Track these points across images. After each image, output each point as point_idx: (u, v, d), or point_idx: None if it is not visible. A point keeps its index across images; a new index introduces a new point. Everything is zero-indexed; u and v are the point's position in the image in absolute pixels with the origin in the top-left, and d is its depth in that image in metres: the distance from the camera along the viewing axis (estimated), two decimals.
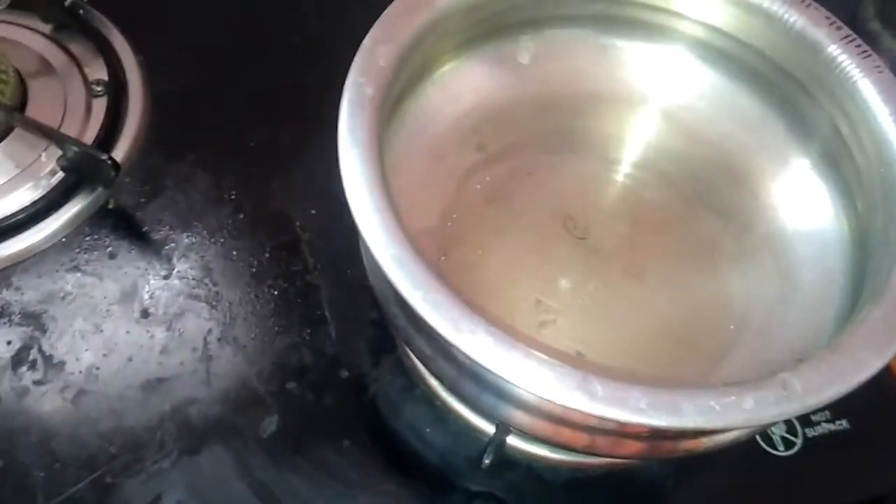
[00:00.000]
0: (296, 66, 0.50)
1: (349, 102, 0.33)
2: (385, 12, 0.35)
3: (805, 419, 0.41)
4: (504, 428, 0.36)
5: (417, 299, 0.28)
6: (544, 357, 0.27)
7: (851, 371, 0.28)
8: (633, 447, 0.32)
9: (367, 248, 0.29)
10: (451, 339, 0.27)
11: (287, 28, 0.52)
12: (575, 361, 0.29)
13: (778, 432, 0.41)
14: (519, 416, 0.31)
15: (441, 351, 0.31)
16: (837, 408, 0.41)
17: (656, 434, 0.31)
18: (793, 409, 0.27)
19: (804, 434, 0.41)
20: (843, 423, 0.41)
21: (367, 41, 0.34)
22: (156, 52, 0.50)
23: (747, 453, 0.40)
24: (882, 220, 0.34)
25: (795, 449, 0.40)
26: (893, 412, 0.42)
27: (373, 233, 0.30)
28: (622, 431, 0.30)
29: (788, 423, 0.41)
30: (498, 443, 0.36)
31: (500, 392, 0.30)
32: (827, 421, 0.41)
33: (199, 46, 0.51)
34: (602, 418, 0.27)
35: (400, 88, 0.37)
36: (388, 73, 0.34)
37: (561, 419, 0.30)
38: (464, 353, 0.27)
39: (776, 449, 0.40)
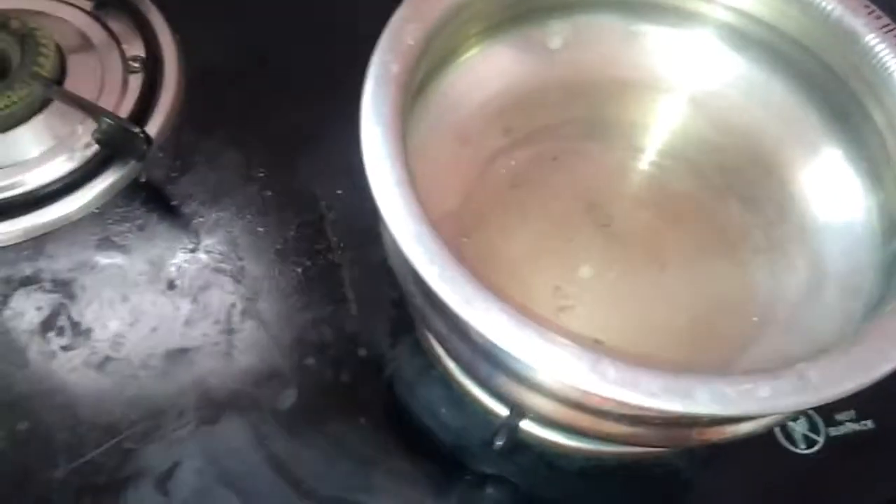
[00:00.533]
0: (328, 47, 0.50)
1: (374, 79, 0.33)
2: None
3: (829, 417, 0.40)
4: (518, 411, 0.35)
5: (433, 275, 0.28)
6: (557, 337, 0.27)
7: (873, 364, 0.27)
8: (646, 435, 0.31)
9: (385, 224, 0.30)
10: (463, 316, 0.28)
11: (319, 9, 0.52)
12: (589, 343, 0.29)
13: (800, 430, 0.40)
14: (531, 398, 0.31)
15: (455, 330, 0.32)
16: (863, 408, 0.40)
17: (670, 421, 0.30)
18: (809, 399, 0.27)
19: (827, 433, 0.40)
20: (868, 424, 0.40)
21: (394, 19, 0.34)
22: (192, 31, 0.50)
23: (767, 449, 0.39)
24: None
25: (817, 447, 0.40)
26: None
27: (391, 208, 0.30)
28: (636, 417, 0.30)
29: (811, 420, 0.40)
30: (511, 426, 0.36)
31: (512, 373, 0.30)
32: (851, 420, 0.40)
33: (234, 26, 0.51)
34: (613, 400, 0.26)
35: (426, 69, 0.37)
36: (415, 51, 0.34)
37: (573, 402, 0.30)
38: (476, 330, 0.27)
39: (797, 447, 0.40)
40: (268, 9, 0.52)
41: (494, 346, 0.27)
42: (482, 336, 0.27)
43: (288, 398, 0.39)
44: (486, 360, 0.31)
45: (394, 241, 0.29)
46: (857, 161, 0.38)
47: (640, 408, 0.26)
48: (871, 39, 0.35)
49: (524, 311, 0.28)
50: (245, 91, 0.49)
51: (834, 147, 0.39)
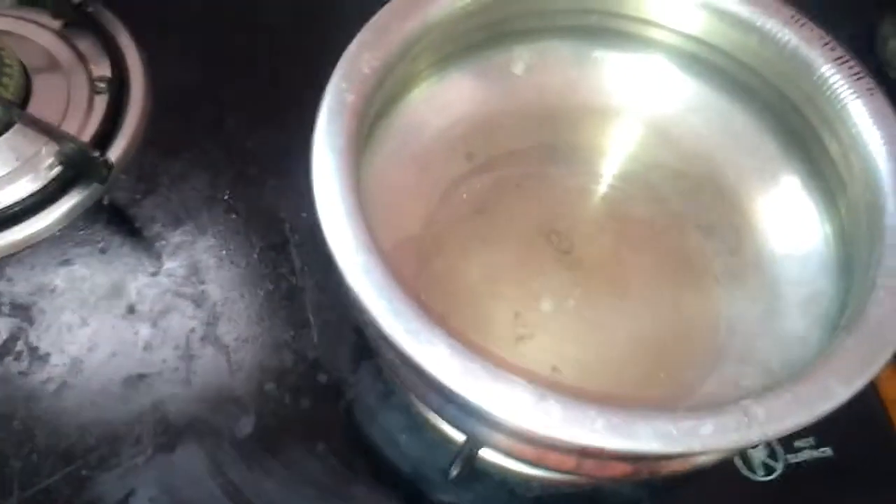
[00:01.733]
0: (296, 67, 0.50)
1: (328, 109, 0.33)
2: (373, 18, 0.35)
3: (787, 444, 0.40)
4: (474, 441, 0.35)
5: (380, 309, 0.28)
6: (504, 373, 0.27)
7: (817, 400, 0.27)
8: (598, 467, 0.31)
9: (332, 256, 0.30)
10: (408, 352, 0.27)
11: (288, 29, 0.52)
12: (535, 378, 0.29)
13: (759, 457, 0.40)
14: (482, 431, 0.31)
15: (405, 362, 0.31)
16: (822, 434, 0.40)
17: (619, 456, 0.30)
18: (753, 436, 0.27)
19: (786, 459, 0.40)
20: (827, 451, 0.40)
21: (352, 46, 0.34)
22: (160, 50, 0.50)
23: (726, 476, 0.39)
24: (865, 245, 0.33)
25: (776, 475, 0.40)
26: (879, 441, 0.41)
27: (339, 240, 0.30)
28: (583, 452, 0.30)
29: (770, 447, 0.40)
30: (468, 455, 0.36)
31: (461, 406, 0.30)
32: (810, 447, 0.40)
33: (202, 46, 0.51)
34: (556, 440, 0.26)
35: (386, 96, 0.37)
36: (373, 79, 0.34)
37: (522, 436, 0.30)
38: (420, 366, 0.27)
39: (756, 473, 0.40)
40: (237, 28, 0.52)
41: (437, 381, 0.27)
42: (425, 371, 0.27)
43: (246, 425, 0.39)
44: (437, 392, 0.31)
45: (341, 274, 0.29)
46: (814, 189, 0.38)
47: (583, 446, 0.26)
48: (826, 71, 0.36)
49: (472, 346, 0.28)
50: (212, 111, 0.49)
51: (792, 175, 0.39)
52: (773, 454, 0.40)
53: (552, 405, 0.27)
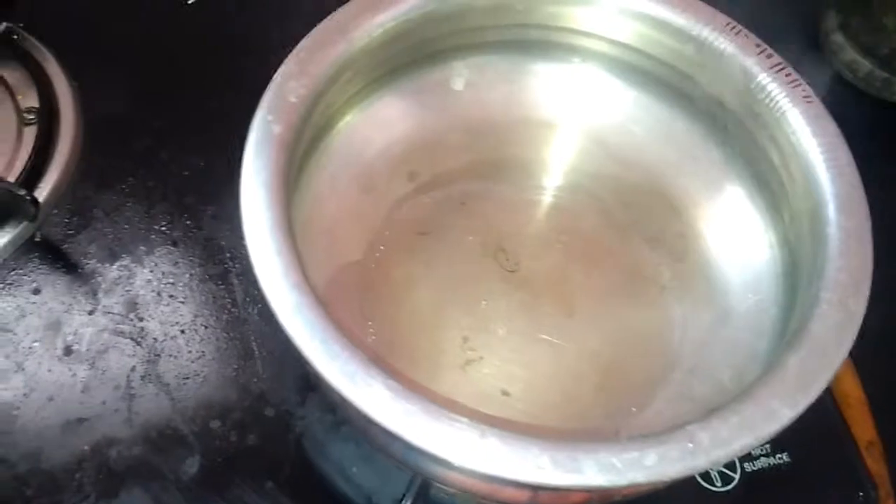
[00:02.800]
0: (232, 94, 0.48)
1: (255, 142, 0.32)
2: (298, 46, 0.34)
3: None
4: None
5: (314, 351, 0.27)
6: (443, 412, 0.27)
7: (761, 423, 0.27)
8: (549, 499, 0.31)
9: (265, 296, 0.29)
10: (345, 394, 0.27)
11: (222, 56, 0.51)
12: (479, 411, 0.28)
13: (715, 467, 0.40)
14: (427, 469, 0.30)
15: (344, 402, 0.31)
16: (778, 441, 0.40)
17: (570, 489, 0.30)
18: (698, 464, 0.26)
19: (742, 468, 0.40)
20: (784, 457, 0.40)
21: (277, 77, 0.33)
22: (91, 78, 0.48)
23: (684, 489, 0.39)
24: (808, 253, 0.33)
25: (733, 484, 0.39)
26: (835, 445, 0.41)
27: (270, 280, 0.29)
28: (535, 486, 0.29)
29: None
30: (420, 487, 0.35)
31: (406, 445, 0.29)
32: (766, 455, 0.40)
33: (135, 72, 0.50)
34: (499, 478, 0.26)
35: (320, 121, 0.36)
36: (300, 108, 0.33)
37: (467, 473, 0.29)
38: (358, 408, 0.26)
39: (713, 484, 0.39)
40: (169, 56, 0.51)
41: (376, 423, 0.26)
42: (364, 414, 0.26)
43: (192, 465, 0.38)
44: (381, 431, 0.30)
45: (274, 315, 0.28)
46: (757, 197, 0.38)
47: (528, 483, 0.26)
48: (763, 79, 0.35)
49: (411, 385, 0.27)
50: (146, 140, 0.47)
51: (735, 183, 0.39)
52: (730, 464, 0.40)
53: (494, 443, 0.26)
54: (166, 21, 0.53)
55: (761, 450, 0.40)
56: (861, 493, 0.40)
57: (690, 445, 0.26)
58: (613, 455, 0.26)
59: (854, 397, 0.45)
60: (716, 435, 0.27)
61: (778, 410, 0.27)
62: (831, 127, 0.34)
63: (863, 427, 0.44)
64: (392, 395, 0.27)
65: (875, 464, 0.42)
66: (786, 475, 0.40)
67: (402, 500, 0.35)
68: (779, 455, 0.40)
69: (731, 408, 0.27)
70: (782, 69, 0.35)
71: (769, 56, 0.36)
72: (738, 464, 0.40)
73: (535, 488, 0.30)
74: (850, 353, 0.44)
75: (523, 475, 0.26)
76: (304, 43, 0.34)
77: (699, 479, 0.39)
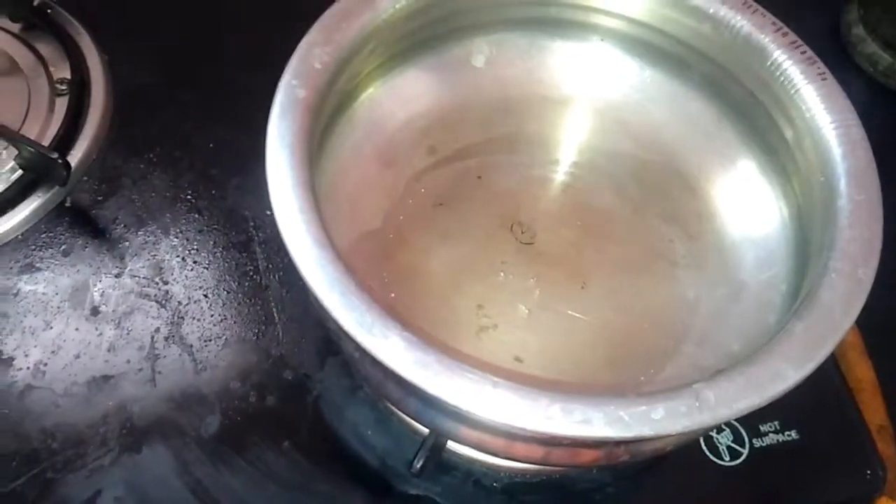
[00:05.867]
0: (257, 66, 0.49)
1: (280, 105, 0.33)
2: (324, 14, 0.35)
3: (753, 429, 0.41)
4: (436, 433, 0.35)
5: (333, 302, 0.28)
6: (456, 363, 0.27)
7: (768, 383, 0.28)
8: (561, 457, 0.31)
9: (288, 250, 0.30)
10: (362, 342, 0.28)
11: (249, 28, 0.52)
12: (489, 368, 0.29)
13: (725, 441, 0.40)
14: (439, 421, 0.31)
15: (364, 355, 0.31)
16: (787, 418, 0.41)
17: (577, 442, 0.30)
18: (704, 419, 0.27)
19: (751, 444, 0.40)
20: (792, 434, 0.41)
21: (303, 43, 0.34)
22: (120, 51, 0.50)
23: (692, 462, 0.40)
24: (819, 228, 0.33)
25: (741, 459, 0.40)
26: (844, 424, 0.42)
27: (294, 235, 0.30)
28: (547, 441, 0.30)
29: (735, 432, 0.41)
30: (433, 447, 0.36)
31: (418, 396, 0.30)
32: (775, 431, 0.41)
33: (163, 46, 0.51)
34: (508, 426, 0.27)
35: (343, 91, 0.37)
36: (325, 75, 0.34)
37: (480, 425, 0.30)
38: (374, 357, 0.27)
39: (721, 459, 0.40)
40: (198, 28, 0.52)
41: (392, 372, 0.27)
42: (380, 362, 0.27)
43: (212, 424, 0.39)
44: (394, 383, 0.31)
45: (296, 267, 0.29)
46: (770, 173, 0.39)
47: (535, 432, 0.26)
48: (779, 56, 0.36)
49: (426, 338, 0.28)
50: (173, 111, 0.49)
51: (749, 159, 0.39)
52: (738, 439, 0.40)
53: (505, 393, 0.27)
54: None
55: (770, 426, 0.41)
56: (869, 472, 0.41)
57: (697, 403, 0.27)
58: (621, 409, 0.26)
59: (867, 381, 0.45)
60: (722, 393, 0.27)
61: (784, 372, 0.28)
62: (845, 103, 0.34)
63: (875, 411, 0.44)
64: (407, 345, 0.27)
65: (886, 447, 0.43)
66: (794, 452, 0.41)
67: (413, 459, 0.36)
68: (788, 432, 0.41)
69: (738, 369, 0.28)
70: (798, 47, 0.36)
71: (785, 34, 0.36)
72: (746, 439, 0.40)
73: (547, 444, 0.31)
74: (865, 340, 0.45)
75: (533, 424, 0.26)
76: (330, 11, 0.35)
77: (707, 453, 0.40)
